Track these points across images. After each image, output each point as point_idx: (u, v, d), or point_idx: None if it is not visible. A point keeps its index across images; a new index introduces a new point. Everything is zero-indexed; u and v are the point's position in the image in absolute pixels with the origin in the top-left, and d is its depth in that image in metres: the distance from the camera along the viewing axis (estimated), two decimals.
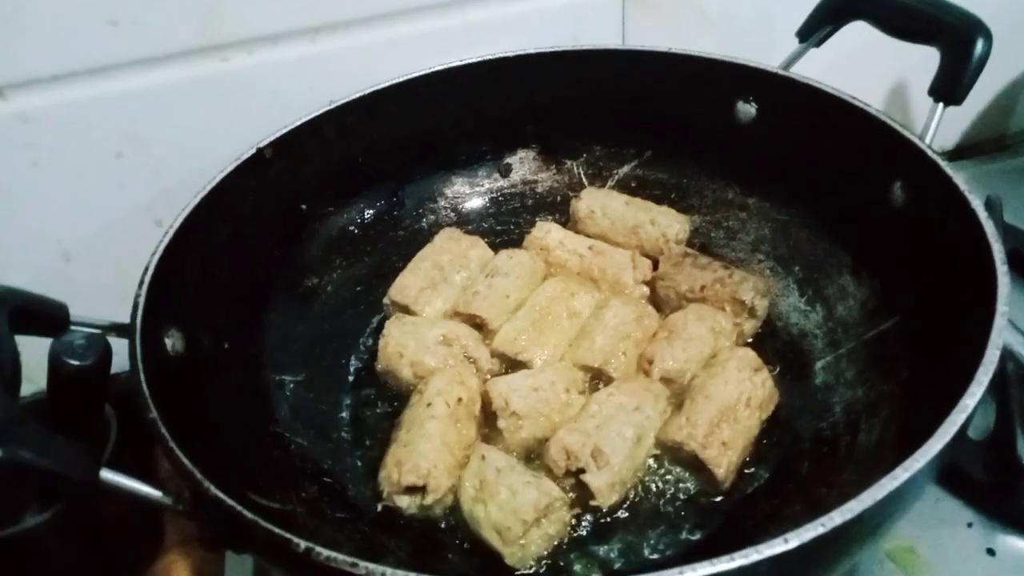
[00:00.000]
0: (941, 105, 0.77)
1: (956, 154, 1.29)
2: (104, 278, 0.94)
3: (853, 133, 0.81)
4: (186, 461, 0.52)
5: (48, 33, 0.82)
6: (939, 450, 0.49)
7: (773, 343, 0.83)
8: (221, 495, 0.50)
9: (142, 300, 0.67)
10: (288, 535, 0.47)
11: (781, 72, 0.88)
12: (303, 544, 0.47)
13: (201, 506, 0.52)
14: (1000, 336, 0.55)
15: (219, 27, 0.87)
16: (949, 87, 0.75)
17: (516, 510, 0.66)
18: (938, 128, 0.76)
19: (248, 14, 0.87)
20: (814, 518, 0.46)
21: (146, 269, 0.70)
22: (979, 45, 0.75)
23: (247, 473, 0.66)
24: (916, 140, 0.74)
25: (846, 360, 0.78)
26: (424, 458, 0.69)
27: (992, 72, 0.79)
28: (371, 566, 0.45)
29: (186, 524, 1.02)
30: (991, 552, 0.75)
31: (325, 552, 0.46)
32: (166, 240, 0.73)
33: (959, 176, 0.69)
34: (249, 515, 0.49)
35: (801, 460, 0.72)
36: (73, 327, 0.64)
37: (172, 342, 0.69)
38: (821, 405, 0.76)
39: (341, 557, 0.46)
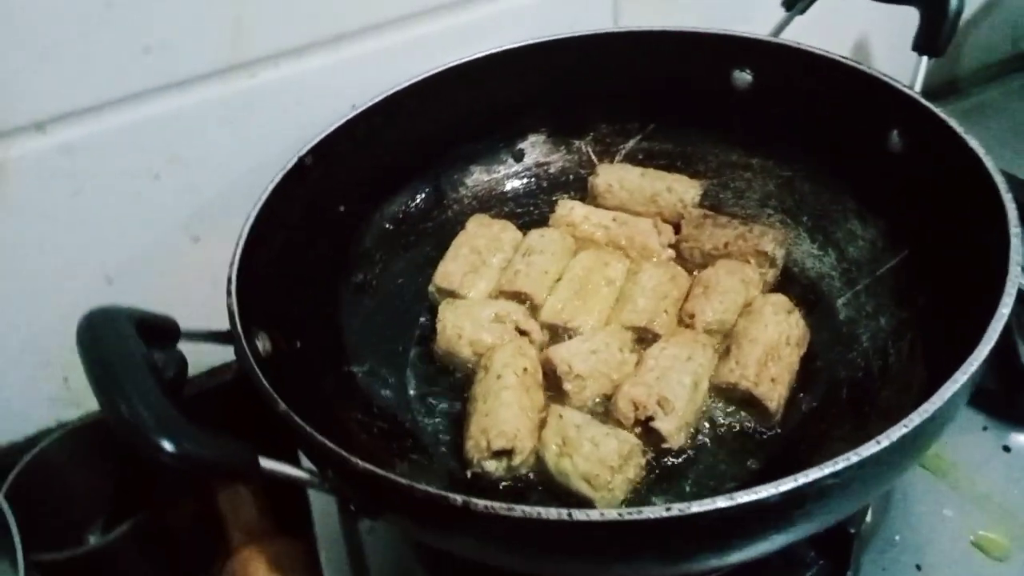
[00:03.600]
0: (925, 58, 0.85)
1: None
2: (145, 297, 0.95)
3: (847, 90, 0.89)
4: (328, 443, 0.58)
5: (84, 65, 0.84)
6: (987, 354, 0.57)
7: (793, 288, 0.90)
8: (371, 467, 0.55)
9: (235, 306, 0.71)
10: (444, 492, 0.53)
11: (772, 40, 0.95)
12: (460, 498, 0.53)
13: (348, 480, 0.58)
14: (1019, 253, 0.63)
15: (247, 44, 0.91)
16: (932, 41, 0.84)
17: (601, 459, 0.72)
18: (924, 78, 0.85)
19: (273, 29, 0.91)
20: (861, 437, 0.53)
21: (229, 279, 0.74)
22: (954, 1, 0.83)
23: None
24: (909, 91, 0.82)
25: (864, 295, 0.87)
26: (507, 424, 0.76)
27: None
28: (526, 509, 0.51)
29: (249, 521, 1.08)
30: (1007, 449, 0.85)
31: (482, 502, 0.52)
32: (239, 250, 0.77)
33: (955, 121, 0.77)
34: (403, 481, 0.54)
35: (840, 387, 0.80)
36: (184, 338, 0.68)
37: (262, 344, 0.74)
38: (849, 337, 0.84)
39: (497, 504, 0.52)
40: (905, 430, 0.52)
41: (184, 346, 0.71)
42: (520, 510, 0.51)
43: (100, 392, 0.54)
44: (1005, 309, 0.59)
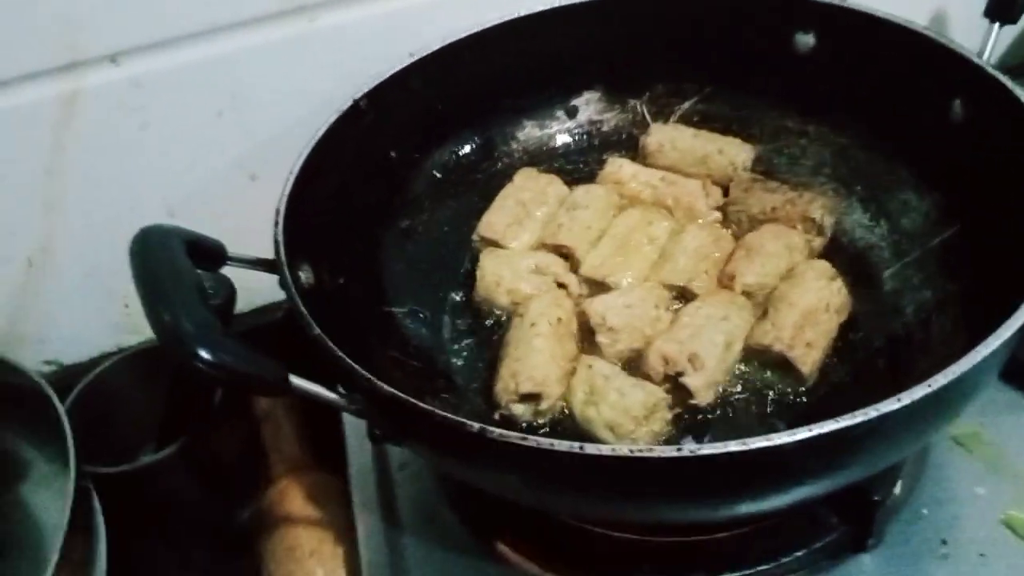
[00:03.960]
0: (997, 25, 0.82)
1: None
2: (204, 230, 1.01)
3: (910, 56, 0.86)
4: (357, 367, 0.60)
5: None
6: (1021, 323, 0.55)
7: (841, 257, 0.89)
8: (396, 392, 0.58)
9: (281, 237, 0.74)
10: (461, 419, 0.55)
11: (838, 2, 0.93)
12: (476, 424, 0.54)
13: (375, 403, 0.60)
14: None
15: None
16: (1006, 6, 0.80)
17: (627, 408, 0.73)
18: (994, 47, 0.82)
19: None
20: None
21: (277, 211, 0.77)
22: None
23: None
24: (974, 58, 0.80)
25: (913, 267, 0.85)
26: (537, 369, 0.77)
27: None
28: (539, 439, 0.53)
29: (291, 455, 1.12)
30: None
31: (496, 430, 0.54)
32: (290, 184, 0.80)
33: (1021, 89, 0.74)
34: (424, 405, 0.56)
35: (877, 358, 0.79)
36: (229, 262, 0.71)
37: (305, 276, 0.77)
38: (892, 308, 0.83)
39: (511, 433, 0.53)
40: (928, 390, 0.52)
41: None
42: (533, 440, 0.53)
43: (146, 301, 0.57)
44: None
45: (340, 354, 0.62)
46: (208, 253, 0.69)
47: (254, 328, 1.11)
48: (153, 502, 1.05)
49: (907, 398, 0.52)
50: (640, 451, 0.51)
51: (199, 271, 0.67)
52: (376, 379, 0.59)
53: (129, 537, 0.95)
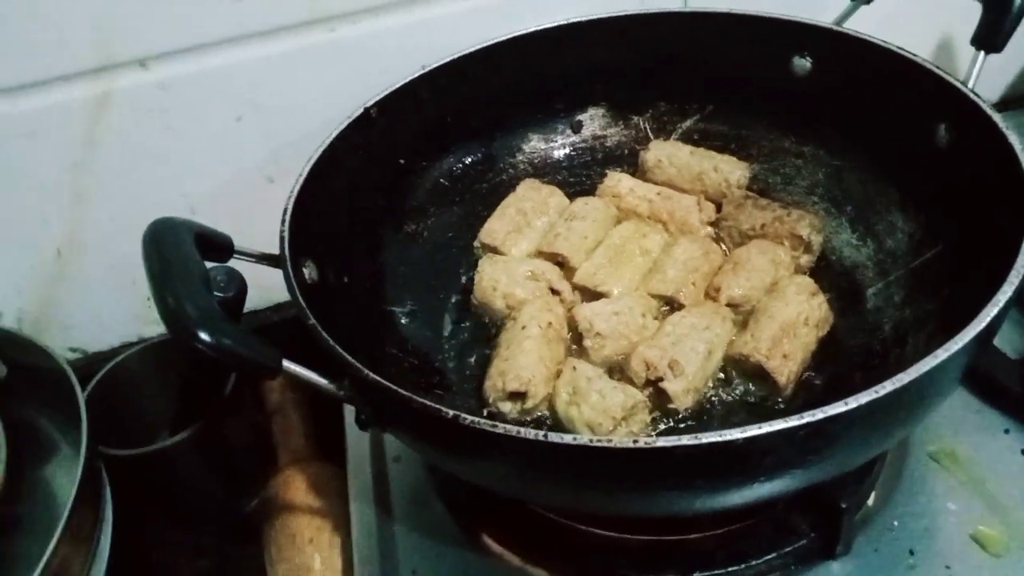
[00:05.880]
0: (983, 53, 0.85)
1: (1002, 106, 1.35)
2: (224, 228, 1.06)
3: (902, 82, 0.89)
4: (346, 354, 0.64)
5: (186, 8, 0.93)
6: (974, 335, 0.58)
7: (827, 275, 0.92)
8: (379, 378, 0.62)
9: (286, 234, 0.78)
10: (439, 406, 0.59)
11: (835, 27, 0.96)
12: (451, 412, 0.58)
13: (361, 390, 0.64)
14: None
15: (328, 0, 0.98)
16: (991, 36, 0.83)
17: (606, 409, 0.77)
18: (980, 75, 0.85)
19: None
20: None
21: (285, 210, 0.82)
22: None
23: None
24: (959, 84, 0.82)
25: (895, 286, 0.87)
26: (525, 369, 0.81)
27: None
28: (508, 427, 0.56)
29: (297, 446, 1.16)
30: None
31: (469, 417, 0.57)
32: (298, 185, 0.84)
33: (998, 116, 0.77)
34: (404, 392, 0.60)
35: (855, 370, 0.82)
36: (236, 255, 0.76)
37: (308, 272, 0.81)
38: (872, 325, 0.85)
39: (482, 420, 0.57)
40: (875, 395, 0.54)
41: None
42: (502, 427, 0.56)
43: (154, 285, 0.62)
44: (1002, 296, 0.60)
45: (331, 343, 0.66)
46: (216, 245, 0.74)
47: (269, 325, 1.16)
48: (164, 486, 1.10)
49: (854, 401, 0.54)
50: (599, 441, 0.54)
51: (211, 263, 0.73)
52: (362, 367, 0.63)
53: (140, 519, 1.00)
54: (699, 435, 0.54)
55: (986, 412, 0.87)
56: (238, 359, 0.60)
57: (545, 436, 0.55)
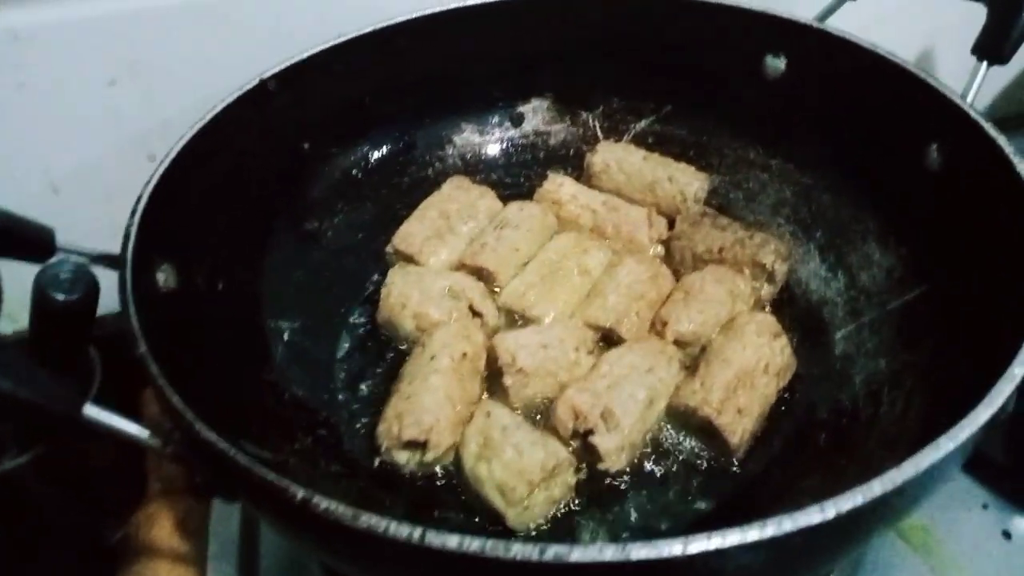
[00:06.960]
0: (985, 64, 0.73)
1: (1002, 124, 1.24)
2: (94, 213, 0.90)
3: (888, 91, 0.77)
4: (176, 399, 0.49)
5: None
6: (987, 418, 0.45)
7: (791, 310, 0.80)
8: (214, 438, 0.46)
9: (134, 230, 0.63)
10: (285, 482, 0.44)
11: (815, 24, 0.83)
12: (300, 492, 0.43)
13: (192, 449, 0.49)
14: None
15: None
16: (996, 44, 0.71)
17: (522, 470, 0.63)
18: (980, 89, 0.73)
19: None
20: (830, 490, 0.43)
21: (139, 199, 0.66)
22: None
23: (239, 420, 0.62)
24: (957, 100, 0.70)
25: (868, 330, 0.75)
26: (427, 412, 0.66)
27: None
28: (373, 519, 0.42)
29: (169, 473, 1.00)
30: (1007, 535, 0.73)
31: (324, 502, 0.43)
32: (161, 169, 0.69)
33: (1003, 138, 0.65)
34: (243, 460, 0.45)
35: (818, 431, 0.69)
36: (60, 253, 0.60)
37: (164, 277, 0.66)
38: (840, 376, 0.73)
39: (341, 508, 0.42)
40: (857, 502, 0.41)
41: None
42: (365, 520, 0.42)
43: None
44: (1018, 369, 0.47)
45: (163, 381, 0.50)
46: (29, 242, 0.57)
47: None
48: (6, 513, 0.94)
49: (832, 510, 0.41)
50: (494, 551, 0.40)
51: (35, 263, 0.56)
52: (196, 418, 0.47)
53: None
54: (628, 546, 0.40)
55: (962, 482, 0.76)
56: (19, 405, 0.44)
57: (422, 538, 0.41)
